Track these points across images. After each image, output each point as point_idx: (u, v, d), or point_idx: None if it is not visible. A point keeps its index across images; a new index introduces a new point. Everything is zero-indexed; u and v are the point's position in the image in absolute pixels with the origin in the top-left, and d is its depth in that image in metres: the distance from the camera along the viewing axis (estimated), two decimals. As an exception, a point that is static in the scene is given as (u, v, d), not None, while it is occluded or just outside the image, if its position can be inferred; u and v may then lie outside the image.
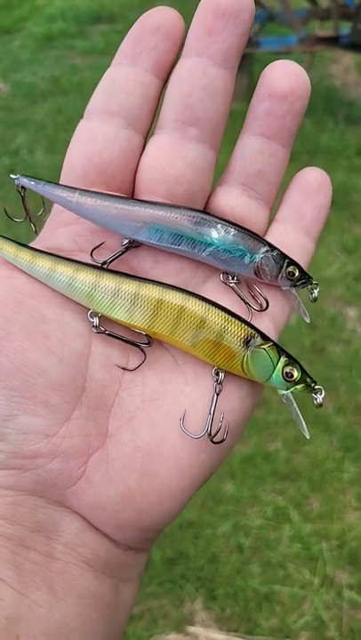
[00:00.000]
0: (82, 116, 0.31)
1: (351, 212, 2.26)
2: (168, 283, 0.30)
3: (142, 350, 0.29)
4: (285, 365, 0.30)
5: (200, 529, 1.30)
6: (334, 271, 1.98)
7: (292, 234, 0.32)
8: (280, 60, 0.30)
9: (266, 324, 0.31)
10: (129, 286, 0.28)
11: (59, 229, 0.30)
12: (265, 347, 0.29)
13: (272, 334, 0.31)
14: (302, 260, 0.32)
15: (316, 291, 0.32)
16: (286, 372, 0.30)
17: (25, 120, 2.90)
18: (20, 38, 3.93)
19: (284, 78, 0.29)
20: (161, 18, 0.29)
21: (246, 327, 0.29)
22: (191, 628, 1.18)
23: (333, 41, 2.65)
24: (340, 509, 1.35)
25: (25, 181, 0.29)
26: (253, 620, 1.18)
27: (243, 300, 0.30)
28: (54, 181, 0.29)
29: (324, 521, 1.33)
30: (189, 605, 1.20)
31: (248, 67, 2.90)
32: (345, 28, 2.66)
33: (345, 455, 1.45)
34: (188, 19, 0.29)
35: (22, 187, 0.30)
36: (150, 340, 0.29)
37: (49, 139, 2.73)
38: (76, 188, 0.29)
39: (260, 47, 2.80)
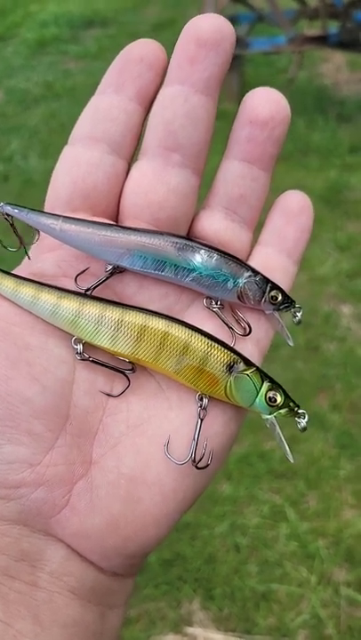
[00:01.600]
0: (67, 141, 0.31)
1: (344, 209, 2.27)
2: (152, 307, 0.30)
3: (126, 376, 0.29)
4: (268, 390, 0.30)
5: (197, 530, 1.30)
6: (328, 269, 1.98)
7: (275, 257, 0.33)
8: (261, 88, 0.30)
9: (249, 348, 0.31)
10: (112, 313, 0.29)
11: (43, 254, 0.31)
12: (248, 372, 0.30)
13: (256, 358, 0.32)
14: (285, 284, 0.32)
15: (299, 314, 0.32)
16: (269, 397, 0.30)
17: (19, 126, 2.92)
18: (14, 44, 3.95)
19: (265, 105, 0.30)
20: (144, 49, 0.30)
21: (229, 353, 0.29)
22: (189, 629, 1.18)
23: (322, 40, 2.67)
24: (336, 507, 1.35)
25: (9, 209, 0.30)
26: (251, 619, 1.18)
27: (226, 325, 0.31)
28: (38, 209, 0.30)
29: (320, 519, 1.33)
30: (187, 606, 1.20)
31: (239, 67, 2.91)
32: (333, 28, 2.67)
33: (341, 452, 1.45)
34: (168, 48, 0.30)
35: (7, 214, 0.30)
36: (134, 367, 0.30)
37: (42, 144, 2.75)
38: (59, 215, 0.29)
39: (249, 48, 2.82)
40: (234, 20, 3.06)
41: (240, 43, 2.80)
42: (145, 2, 4.69)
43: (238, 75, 2.92)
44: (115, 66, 0.30)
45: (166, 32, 4.08)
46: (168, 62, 0.29)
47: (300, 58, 2.84)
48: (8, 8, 4.53)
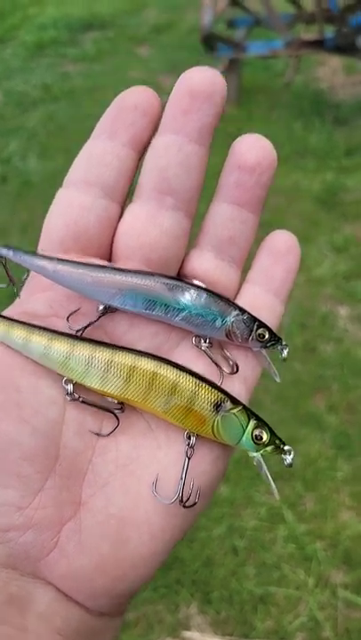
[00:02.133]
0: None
1: (341, 211, 2.27)
2: (142, 345, 0.31)
3: (116, 416, 0.30)
4: (255, 428, 0.30)
5: (195, 532, 1.29)
6: (325, 270, 1.98)
7: (262, 296, 0.33)
8: (248, 134, 0.31)
9: (237, 385, 0.32)
10: (102, 355, 0.29)
11: (35, 294, 0.31)
12: (235, 411, 0.30)
13: (243, 396, 0.32)
14: (272, 322, 0.33)
15: (285, 351, 0.33)
16: (256, 435, 0.30)
17: (17, 128, 2.92)
18: (12, 47, 3.96)
19: (252, 151, 0.31)
20: (139, 97, 0.30)
21: (216, 392, 0.30)
22: (187, 633, 1.17)
23: (319, 44, 2.68)
24: (333, 508, 1.34)
25: (4, 251, 0.31)
26: (249, 622, 1.17)
27: (214, 364, 0.31)
28: (32, 250, 0.31)
29: (318, 520, 1.32)
30: (185, 610, 1.19)
31: (237, 70, 2.92)
32: (330, 32, 2.69)
33: (338, 453, 1.45)
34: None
35: (2, 255, 0.31)
36: (123, 406, 0.30)
37: (41, 145, 2.75)
38: (52, 257, 0.30)
39: (247, 51, 2.83)
40: (232, 23, 3.08)
41: (238, 47, 2.81)
42: (143, 5, 4.71)
43: (236, 78, 2.94)
44: (109, 112, 0.31)
45: (164, 35, 4.11)
46: (162, 109, 0.30)
47: (297, 62, 2.86)
48: (7, 11, 4.54)
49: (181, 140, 0.30)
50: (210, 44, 2.75)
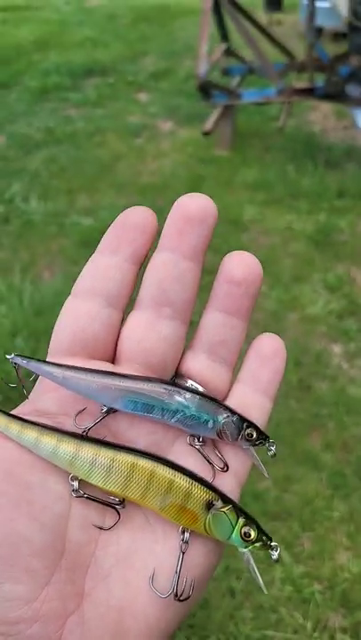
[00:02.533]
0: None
1: (334, 251, 2.34)
2: (142, 442, 0.33)
3: (117, 511, 0.32)
4: (243, 526, 0.32)
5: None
6: (319, 309, 2.03)
7: (251, 395, 0.36)
8: (236, 252, 0.35)
9: (228, 481, 0.34)
10: (105, 456, 0.32)
11: (46, 394, 0.34)
12: (224, 509, 0.32)
13: (235, 490, 0.34)
14: (260, 419, 0.35)
15: (273, 448, 0.35)
16: (244, 532, 0.32)
17: (20, 169, 3.01)
18: (17, 92, 4.12)
19: (239, 268, 0.34)
20: (139, 216, 0.34)
21: (208, 491, 0.32)
22: None
23: (309, 92, 2.81)
24: (331, 549, 1.34)
25: (18, 360, 0.34)
26: (246, 667, 1.16)
27: (207, 461, 0.34)
28: (42, 359, 0.34)
29: (315, 561, 1.32)
30: (181, 654, 1.18)
31: (231, 116, 3.05)
32: (320, 80, 2.83)
33: (334, 493, 1.46)
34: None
35: (15, 363, 0.34)
36: (124, 502, 0.32)
37: (43, 187, 2.83)
38: (60, 365, 0.33)
39: (241, 98, 2.96)
40: (227, 71, 3.24)
41: (233, 94, 2.94)
42: (142, 52, 4.93)
43: (231, 123, 3.06)
44: (113, 229, 0.34)
45: (162, 81, 4.29)
46: (158, 226, 0.34)
47: (290, 107, 2.99)
48: (12, 57, 4.74)
49: (177, 257, 0.33)
50: (206, 92, 2.88)
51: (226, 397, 0.36)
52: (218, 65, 3.13)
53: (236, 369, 0.36)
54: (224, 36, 3.12)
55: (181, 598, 0.30)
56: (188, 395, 0.34)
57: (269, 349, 0.36)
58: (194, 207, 0.33)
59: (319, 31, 2.94)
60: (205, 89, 2.84)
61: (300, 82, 2.99)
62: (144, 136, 3.40)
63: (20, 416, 0.32)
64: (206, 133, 2.79)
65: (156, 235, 0.34)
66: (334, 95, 2.75)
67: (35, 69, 4.47)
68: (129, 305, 0.35)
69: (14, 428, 0.31)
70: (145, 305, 0.34)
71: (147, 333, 0.33)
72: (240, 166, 2.90)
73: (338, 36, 4.43)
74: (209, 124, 2.80)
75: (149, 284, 0.34)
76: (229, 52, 3.14)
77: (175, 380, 0.35)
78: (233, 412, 0.34)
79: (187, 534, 0.32)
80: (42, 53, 4.88)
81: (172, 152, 3.14)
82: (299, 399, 1.71)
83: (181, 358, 0.36)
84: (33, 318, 1.99)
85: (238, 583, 1.28)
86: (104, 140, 3.33)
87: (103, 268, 0.34)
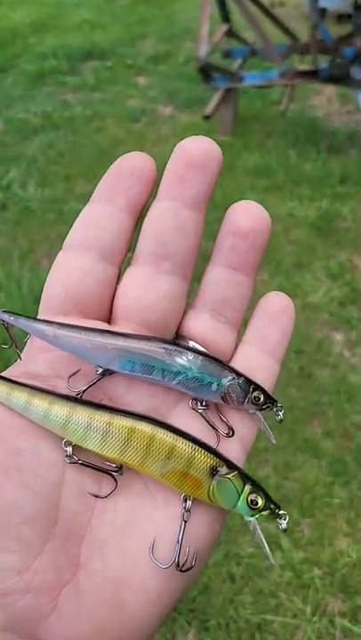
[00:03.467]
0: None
1: (336, 238, 2.32)
2: (140, 407, 0.31)
3: (114, 478, 0.30)
4: (250, 493, 0.30)
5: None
6: (320, 297, 2.02)
7: (258, 356, 0.33)
8: (243, 201, 0.32)
9: (234, 446, 0.32)
10: (100, 419, 0.29)
11: (37, 355, 0.32)
12: (230, 476, 0.30)
13: (240, 457, 0.32)
14: (268, 382, 0.33)
15: (281, 413, 0.33)
16: (251, 500, 0.30)
17: (17, 155, 2.97)
18: (13, 76, 4.05)
19: (246, 218, 0.32)
20: (136, 162, 0.31)
21: (212, 457, 0.30)
22: (184, 662, 1.16)
23: (313, 74, 2.76)
24: (330, 535, 1.35)
25: (6, 317, 0.31)
26: (246, 651, 1.17)
27: (211, 426, 0.32)
28: (33, 316, 0.32)
29: (315, 547, 1.33)
30: (182, 638, 1.19)
31: (233, 100, 3.00)
32: (324, 62, 2.77)
33: (335, 480, 1.46)
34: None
35: (3, 320, 0.32)
36: (121, 469, 0.30)
37: (40, 173, 2.80)
38: (52, 322, 0.30)
39: (243, 81, 2.91)
40: (228, 53, 3.18)
41: (234, 76, 2.89)
42: (141, 35, 4.84)
43: (232, 107, 3.01)
44: (107, 177, 0.32)
45: (162, 64, 4.21)
46: (157, 171, 0.31)
47: (292, 91, 2.94)
48: (8, 40, 4.65)
49: (178, 206, 0.30)
50: (206, 75, 2.83)
51: (230, 360, 0.34)
52: (219, 47, 3.07)
53: (240, 331, 0.34)
54: (225, 17, 3.05)
55: (183, 569, 0.29)
56: (191, 355, 0.31)
57: (277, 307, 0.34)
58: (196, 151, 0.30)
59: (323, 12, 2.86)
60: (206, 71, 2.79)
61: (304, 64, 2.94)
62: (143, 121, 3.35)
63: (9, 377, 0.30)
64: (207, 117, 2.74)
65: (154, 183, 0.31)
66: (338, 77, 2.69)
67: (31, 53, 4.38)
68: (126, 262, 0.32)
69: (3, 390, 0.29)
70: (143, 260, 0.31)
71: (145, 290, 0.31)
72: (241, 151, 2.86)
73: (342, 17, 4.34)
74: (209, 108, 2.76)
75: (148, 237, 0.31)
76: (231, 34, 3.07)
77: (176, 341, 0.33)
78: (238, 374, 0.32)
79: (189, 502, 0.30)
80: (38, 36, 4.79)
81: (173, 137, 3.09)
82: (299, 387, 1.71)
83: (182, 318, 0.33)
84: (32, 305, 1.98)
85: (238, 569, 1.28)
86: (103, 125, 3.28)
87: (97, 218, 0.31)
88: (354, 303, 2.01)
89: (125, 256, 0.33)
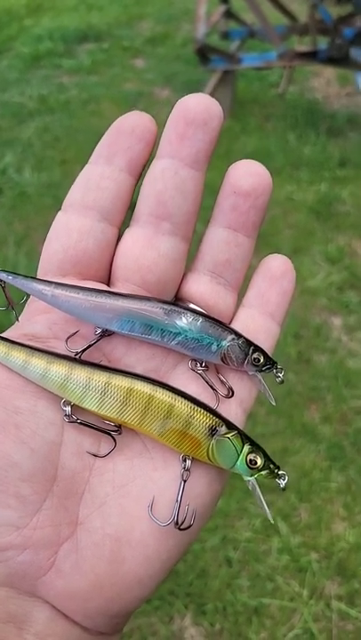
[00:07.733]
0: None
1: (335, 222, 2.29)
2: (140, 368, 0.31)
3: (113, 438, 0.30)
4: (249, 453, 0.31)
5: (189, 544, 1.30)
6: (319, 281, 2.00)
7: (258, 318, 0.34)
8: (244, 160, 0.32)
9: (233, 408, 0.32)
10: (99, 379, 0.30)
11: (35, 317, 0.32)
12: (229, 435, 0.30)
13: (240, 418, 0.32)
14: (268, 344, 0.33)
15: (281, 374, 0.33)
16: (250, 460, 0.31)
17: (12, 139, 2.93)
18: (8, 58, 3.98)
19: (248, 177, 0.31)
20: (135, 121, 0.31)
21: (211, 416, 0.30)
22: (181, 645, 1.17)
23: (312, 56, 2.71)
24: (327, 519, 1.35)
25: (3, 275, 0.31)
26: (243, 634, 1.17)
27: (210, 387, 0.32)
28: (31, 275, 0.31)
29: (312, 532, 1.33)
30: (179, 622, 1.20)
31: (231, 82, 2.95)
32: (323, 43, 2.72)
33: (332, 465, 1.46)
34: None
35: (1, 279, 0.31)
36: (120, 428, 0.30)
37: (36, 157, 2.76)
38: (50, 282, 0.30)
39: (241, 63, 2.86)
40: (226, 35, 3.12)
41: (232, 58, 2.84)
42: (139, 16, 4.75)
43: (230, 90, 2.97)
44: (107, 137, 0.31)
45: (159, 47, 4.14)
46: (158, 130, 0.31)
47: (291, 73, 2.89)
48: (3, 22, 4.57)
49: (177, 164, 0.30)
50: (204, 56, 2.78)
51: (230, 322, 0.34)
52: (217, 28, 3.02)
53: (240, 294, 0.34)
54: (223, -4, 2.99)
55: (182, 527, 0.29)
56: (190, 315, 0.31)
57: (278, 270, 0.34)
58: (196, 108, 0.30)
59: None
60: (204, 53, 2.75)
61: (303, 45, 2.89)
62: (140, 104, 3.30)
63: (7, 337, 0.30)
64: (205, 100, 2.70)
65: (154, 142, 0.31)
66: (338, 59, 2.65)
67: (27, 35, 4.31)
68: (125, 223, 0.32)
69: (0, 349, 0.29)
70: (143, 220, 0.31)
71: (144, 251, 0.31)
72: (239, 135, 2.82)
73: (342, -2, 4.27)
74: (207, 90, 2.71)
75: (147, 196, 0.31)
76: (229, 14, 3.01)
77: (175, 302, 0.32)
78: (238, 335, 0.32)
79: (188, 462, 0.30)
80: (34, 18, 4.70)
81: (170, 120, 3.05)
82: (298, 372, 1.70)
83: (182, 280, 0.33)
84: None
85: (235, 553, 1.29)
86: (99, 109, 3.23)
87: (96, 178, 0.31)
88: (353, 288, 1.99)
89: (125, 217, 0.32)
